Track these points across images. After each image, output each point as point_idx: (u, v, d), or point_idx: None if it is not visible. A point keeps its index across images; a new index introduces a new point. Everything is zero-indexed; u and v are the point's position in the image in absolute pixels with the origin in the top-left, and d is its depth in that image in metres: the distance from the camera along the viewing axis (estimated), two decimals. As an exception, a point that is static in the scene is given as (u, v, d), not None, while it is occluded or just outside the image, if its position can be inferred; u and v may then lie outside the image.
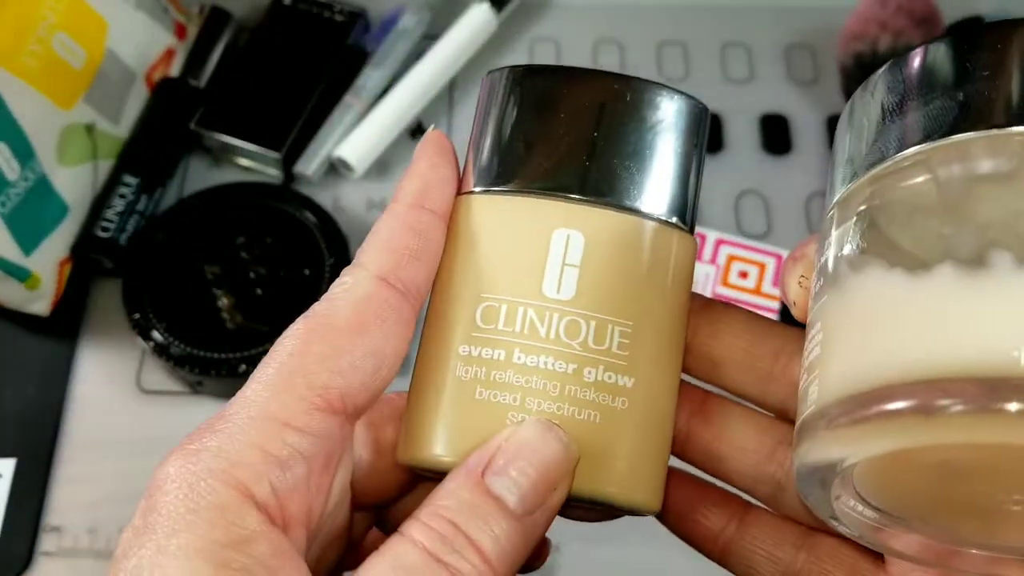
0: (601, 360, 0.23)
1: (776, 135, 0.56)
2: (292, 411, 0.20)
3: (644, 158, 0.24)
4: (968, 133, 0.18)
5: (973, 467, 0.19)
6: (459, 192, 0.24)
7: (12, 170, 0.45)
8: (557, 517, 0.22)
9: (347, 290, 0.22)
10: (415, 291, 0.22)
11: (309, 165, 0.54)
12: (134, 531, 0.19)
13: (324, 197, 0.53)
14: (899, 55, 0.20)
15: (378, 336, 0.21)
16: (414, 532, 0.20)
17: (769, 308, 0.48)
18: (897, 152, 0.19)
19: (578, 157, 0.24)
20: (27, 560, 0.44)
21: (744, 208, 0.54)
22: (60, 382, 0.49)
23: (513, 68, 0.25)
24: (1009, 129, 0.18)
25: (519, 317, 0.23)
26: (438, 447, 0.23)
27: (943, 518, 0.21)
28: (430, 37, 0.58)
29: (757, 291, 0.48)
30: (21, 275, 0.47)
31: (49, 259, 0.48)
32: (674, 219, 0.24)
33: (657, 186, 0.24)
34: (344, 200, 0.54)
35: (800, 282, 0.22)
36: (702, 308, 0.25)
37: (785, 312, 0.49)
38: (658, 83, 0.25)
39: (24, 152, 0.46)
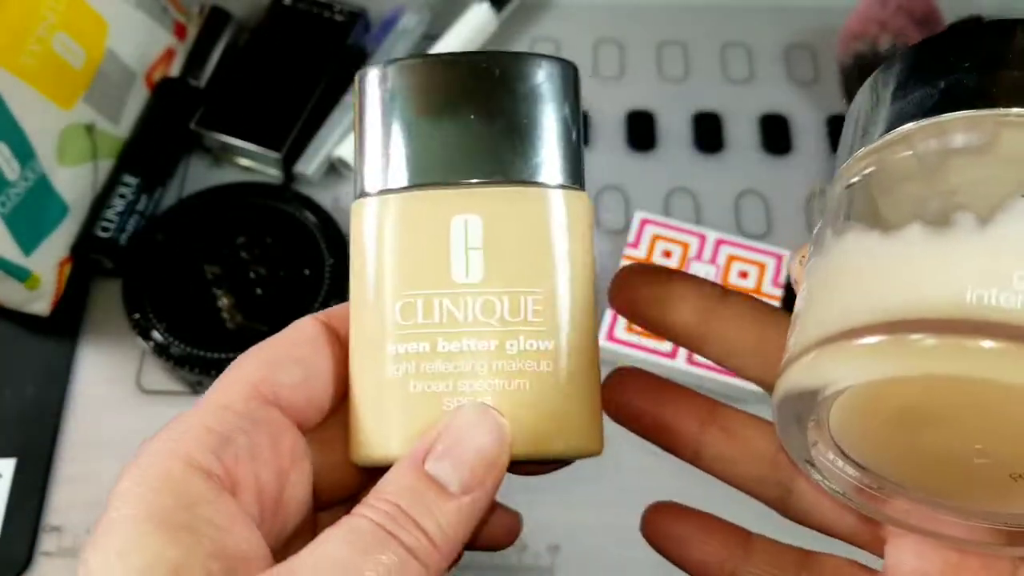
0: (520, 331, 0.24)
1: (776, 135, 0.56)
2: (231, 398, 0.23)
3: (523, 129, 0.25)
4: (946, 114, 0.20)
5: (936, 414, 0.20)
6: (356, 197, 0.25)
7: (12, 170, 0.45)
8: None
9: (287, 327, 0.25)
10: (345, 340, 0.25)
11: (309, 165, 0.54)
12: (96, 523, 0.21)
13: (324, 197, 0.53)
14: (893, 54, 0.22)
15: (305, 350, 0.24)
16: (364, 511, 0.21)
17: (769, 308, 0.48)
18: (885, 133, 0.21)
19: (460, 142, 0.25)
20: (27, 560, 0.44)
21: (744, 208, 0.54)
22: (60, 382, 0.49)
23: (381, 65, 0.25)
24: (982, 111, 0.20)
25: (436, 308, 0.24)
26: (383, 444, 0.24)
27: (917, 476, 0.22)
28: (430, 37, 0.58)
29: (757, 291, 0.48)
30: (21, 275, 0.47)
31: (49, 259, 0.48)
32: (562, 181, 0.25)
33: (540, 153, 0.25)
34: (344, 200, 0.54)
35: (801, 261, 0.24)
36: (719, 297, 0.26)
37: (787, 303, 0.49)
38: (524, 53, 0.25)
39: (24, 152, 0.46)
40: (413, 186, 0.25)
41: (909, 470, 0.22)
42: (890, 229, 0.20)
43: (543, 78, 0.25)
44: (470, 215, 0.24)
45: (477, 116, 0.25)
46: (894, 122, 0.21)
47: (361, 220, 0.25)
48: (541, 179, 0.25)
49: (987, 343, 0.17)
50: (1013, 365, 0.17)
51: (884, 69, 0.22)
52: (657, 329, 0.27)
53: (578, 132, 0.26)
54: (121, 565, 0.20)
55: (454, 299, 0.24)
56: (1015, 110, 0.20)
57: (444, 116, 0.25)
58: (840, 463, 0.22)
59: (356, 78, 0.25)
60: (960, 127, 0.20)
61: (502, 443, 0.23)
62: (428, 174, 0.24)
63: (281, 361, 0.24)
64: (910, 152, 0.21)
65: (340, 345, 0.25)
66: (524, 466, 0.25)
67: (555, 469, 0.26)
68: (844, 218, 0.21)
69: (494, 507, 0.27)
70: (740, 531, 0.27)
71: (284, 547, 0.23)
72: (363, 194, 0.25)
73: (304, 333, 0.25)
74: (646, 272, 0.27)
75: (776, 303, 0.48)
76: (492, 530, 0.27)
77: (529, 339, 0.24)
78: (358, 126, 0.25)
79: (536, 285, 0.24)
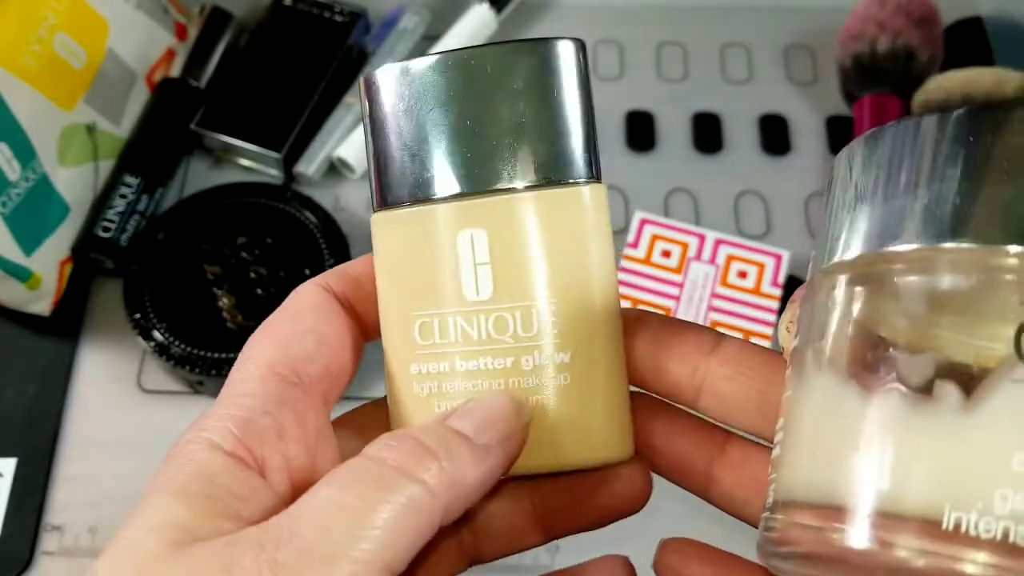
0: (534, 346, 0.23)
1: (775, 135, 0.56)
2: (250, 385, 0.23)
3: (523, 127, 0.23)
4: (939, 243, 0.18)
5: None
6: (374, 208, 0.25)
7: (13, 170, 0.45)
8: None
9: (287, 299, 0.25)
10: (345, 301, 0.25)
11: (310, 165, 0.54)
12: None
13: (324, 197, 0.54)
14: (886, 127, 0.19)
15: (311, 319, 0.24)
16: (372, 450, 0.21)
17: (767, 308, 0.48)
18: (883, 246, 0.19)
19: (458, 151, 0.23)
20: (28, 559, 0.44)
21: (743, 208, 0.54)
22: (61, 382, 0.49)
23: (376, 74, 0.24)
24: (975, 245, 0.17)
25: (451, 327, 0.24)
26: None
27: None
28: (430, 37, 0.58)
29: (756, 291, 0.48)
30: (22, 275, 0.47)
31: (50, 259, 0.48)
32: (572, 177, 0.24)
33: (544, 150, 0.23)
34: (344, 200, 0.55)
35: (788, 327, 0.23)
36: (714, 345, 0.24)
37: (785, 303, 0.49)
38: (515, 41, 0.24)
39: (25, 152, 0.46)
40: (420, 200, 0.24)
41: None
42: (868, 386, 0.18)
43: (542, 64, 0.23)
44: (475, 229, 0.23)
45: (473, 120, 0.23)
46: (880, 234, 0.19)
47: (378, 236, 0.24)
48: (547, 179, 0.23)
49: None
50: None
51: (872, 140, 0.20)
52: (648, 387, 0.25)
53: (587, 116, 0.24)
54: (134, 526, 0.20)
55: (467, 318, 0.23)
56: (1014, 248, 0.17)
57: (440, 123, 0.24)
58: None
59: (360, 83, 0.25)
60: (948, 263, 0.17)
61: (517, 405, 0.23)
62: (430, 188, 0.24)
63: (290, 335, 0.24)
64: (893, 290, 0.18)
65: (344, 307, 0.25)
66: (556, 481, 0.25)
67: (587, 474, 0.25)
68: (824, 347, 0.20)
69: (623, 473, 0.25)
70: (762, 571, 0.25)
71: None
72: (379, 206, 0.24)
73: (307, 301, 0.24)
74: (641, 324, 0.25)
75: (775, 303, 0.48)
76: (619, 487, 0.25)
77: (544, 353, 0.23)
78: (366, 133, 0.25)
79: (549, 295, 0.23)
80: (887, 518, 0.17)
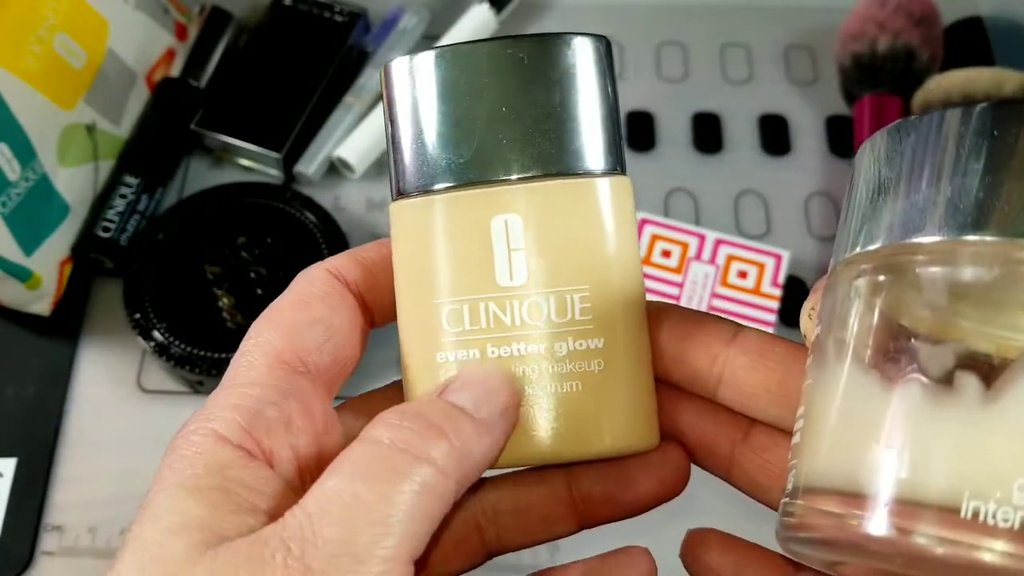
0: (568, 331, 0.23)
1: (775, 135, 0.56)
2: (257, 374, 0.23)
3: (556, 116, 0.24)
4: (961, 235, 0.18)
5: None
6: (394, 198, 0.25)
7: (13, 170, 0.45)
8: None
9: (294, 282, 0.24)
10: (354, 288, 0.25)
11: (309, 165, 0.54)
12: None
13: (325, 197, 0.54)
14: (924, 114, 0.20)
15: (320, 308, 0.24)
16: (375, 432, 0.21)
17: (767, 307, 0.48)
18: (891, 237, 0.19)
19: (492, 137, 0.24)
20: (28, 559, 0.44)
21: (743, 208, 0.54)
22: (61, 382, 0.49)
23: (405, 60, 0.24)
24: (1000, 239, 0.17)
25: (482, 313, 0.23)
26: None
27: None
28: (430, 37, 0.58)
29: (756, 291, 0.48)
30: (22, 275, 0.47)
31: (50, 259, 0.48)
32: (600, 168, 0.24)
33: (575, 141, 0.24)
34: (344, 200, 0.55)
35: (809, 315, 0.23)
36: (733, 335, 0.25)
37: (785, 304, 0.49)
38: (549, 34, 0.24)
39: (25, 152, 0.46)
40: (448, 187, 0.24)
41: None
42: (889, 376, 0.18)
43: (574, 57, 0.24)
44: (509, 215, 0.24)
45: (508, 107, 0.24)
46: (902, 225, 0.19)
47: (399, 224, 0.24)
48: (577, 169, 0.24)
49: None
50: None
51: (896, 132, 0.20)
52: (671, 378, 0.25)
53: (615, 111, 0.25)
54: (154, 527, 0.20)
55: (500, 303, 0.23)
56: None
57: (474, 109, 0.24)
58: None
59: (382, 71, 0.25)
60: (970, 255, 0.18)
61: (510, 377, 0.23)
62: (463, 173, 0.24)
63: (301, 325, 0.23)
64: (915, 281, 0.18)
65: (353, 296, 0.24)
66: (585, 468, 0.25)
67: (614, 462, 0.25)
68: (846, 337, 0.20)
69: (658, 458, 0.25)
70: (784, 562, 0.25)
71: None
72: (399, 195, 0.24)
73: (317, 288, 0.24)
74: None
75: (775, 303, 0.48)
76: (662, 473, 0.25)
77: (578, 339, 0.23)
78: (388, 121, 0.25)
79: (581, 282, 0.24)
80: (906, 506, 0.17)
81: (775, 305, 0.48)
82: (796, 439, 0.21)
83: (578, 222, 0.24)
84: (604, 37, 0.25)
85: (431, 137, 0.24)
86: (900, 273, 0.19)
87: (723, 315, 0.46)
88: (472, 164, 0.24)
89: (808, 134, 0.57)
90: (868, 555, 0.18)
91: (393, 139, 0.24)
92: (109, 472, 0.47)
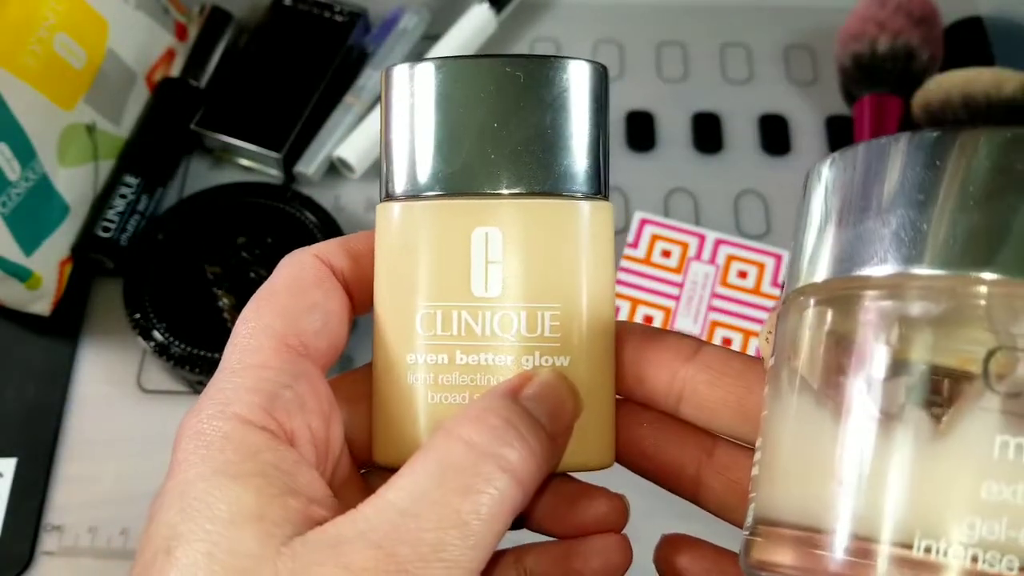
0: (536, 347, 0.24)
1: (775, 135, 0.56)
2: (265, 357, 0.23)
3: (546, 137, 0.24)
4: (913, 268, 0.18)
5: None
6: (382, 199, 0.25)
7: (13, 170, 0.45)
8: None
9: (284, 266, 0.24)
10: (341, 276, 0.25)
11: (310, 165, 0.54)
12: (161, 492, 0.21)
13: (325, 197, 0.54)
14: (851, 148, 0.19)
15: (316, 294, 0.24)
16: (462, 430, 0.21)
17: (767, 307, 0.48)
18: (853, 270, 0.19)
19: (482, 151, 0.24)
20: (28, 559, 0.44)
21: (743, 208, 0.54)
22: (61, 382, 0.49)
23: (406, 67, 0.25)
24: (951, 273, 0.17)
25: (455, 321, 0.24)
26: (400, 451, 0.24)
27: None
28: (430, 37, 0.58)
29: (756, 291, 0.48)
30: (22, 275, 0.47)
31: (50, 259, 0.48)
32: (584, 191, 0.24)
33: (563, 163, 0.24)
34: (344, 200, 0.55)
35: (768, 338, 0.23)
36: (693, 352, 0.25)
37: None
38: (548, 56, 0.25)
39: (25, 152, 0.46)
40: (434, 195, 0.24)
41: None
42: (840, 411, 0.18)
43: (570, 82, 0.25)
44: (490, 228, 0.24)
45: (500, 124, 0.24)
46: (850, 257, 0.19)
47: (384, 225, 0.25)
48: (562, 190, 0.24)
49: None
50: None
51: (841, 161, 0.20)
52: (632, 396, 0.25)
53: (604, 138, 0.25)
54: (211, 521, 0.19)
55: (472, 312, 0.24)
56: (984, 275, 0.17)
57: (468, 122, 0.24)
58: None
59: (383, 74, 0.25)
60: (918, 290, 0.18)
61: (577, 402, 0.23)
62: (450, 183, 0.24)
63: (299, 309, 0.24)
64: (863, 314, 0.18)
65: (340, 282, 0.25)
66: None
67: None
68: (791, 373, 0.20)
69: (596, 492, 0.26)
70: None
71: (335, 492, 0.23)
72: (387, 196, 0.25)
73: (309, 274, 0.24)
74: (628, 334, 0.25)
75: (775, 303, 0.48)
76: (598, 513, 0.25)
77: (544, 355, 0.24)
78: (384, 124, 0.25)
79: (554, 300, 0.24)
80: (861, 542, 0.17)
81: (773, 305, 0.48)
82: (755, 471, 0.21)
83: (557, 241, 0.24)
84: (602, 65, 0.25)
85: (423, 144, 0.24)
86: (848, 306, 0.19)
87: (723, 315, 0.46)
88: (459, 175, 0.24)
89: (808, 134, 0.57)
90: None
91: (387, 142, 0.25)
92: (109, 472, 0.47)
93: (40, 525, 0.45)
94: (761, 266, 0.49)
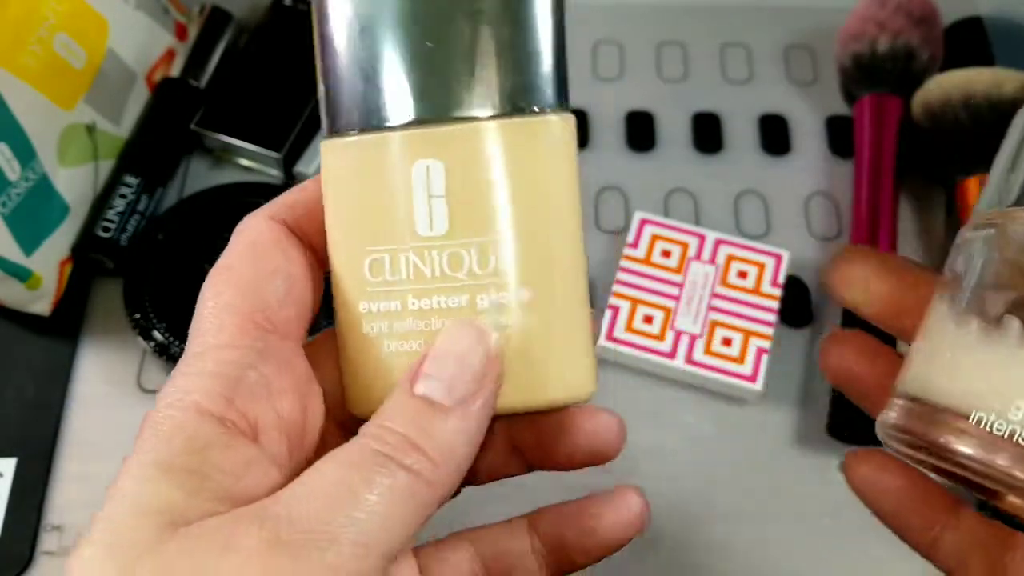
0: (491, 283, 0.22)
1: (775, 135, 0.56)
2: (228, 337, 0.22)
3: (488, 51, 0.22)
4: None
5: None
6: (324, 136, 0.23)
7: (13, 170, 0.45)
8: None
9: (237, 234, 0.23)
10: (300, 231, 0.24)
11: (310, 165, 0.54)
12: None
13: (324, 197, 0.53)
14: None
15: (276, 258, 0.23)
16: (360, 439, 0.21)
17: (767, 307, 0.48)
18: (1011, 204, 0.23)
19: (417, 76, 0.22)
20: (28, 559, 0.44)
21: (743, 208, 0.54)
22: (61, 382, 0.49)
23: None
24: None
25: (403, 264, 0.22)
26: (368, 401, 0.23)
27: None
28: (430, 37, 0.58)
29: (756, 291, 0.48)
30: (22, 275, 0.47)
31: (50, 259, 0.48)
32: (538, 105, 0.22)
33: (510, 76, 0.22)
34: (344, 200, 0.54)
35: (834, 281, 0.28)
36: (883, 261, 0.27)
37: (786, 303, 0.49)
38: None
39: (25, 152, 0.46)
40: (372, 128, 0.22)
41: None
42: (960, 315, 0.22)
43: None
44: (431, 160, 0.22)
45: (435, 43, 0.22)
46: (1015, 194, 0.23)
47: (327, 165, 0.23)
48: (511, 107, 0.22)
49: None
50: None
51: None
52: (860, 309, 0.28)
53: (558, 39, 0.23)
54: (123, 505, 0.20)
55: (420, 254, 0.22)
56: None
57: (398, 46, 0.22)
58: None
59: (312, 1, 0.23)
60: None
61: (486, 350, 0.22)
62: (387, 114, 0.22)
63: (259, 279, 0.22)
64: (1007, 239, 0.23)
65: (302, 238, 0.24)
66: (520, 419, 0.24)
67: (553, 413, 0.25)
68: (951, 281, 0.24)
69: (586, 412, 0.25)
70: (949, 497, 0.27)
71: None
72: (329, 132, 0.23)
73: (265, 238, 0.23)
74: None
75: (775, 303, 0.48)
76: (593, 438, 0.25)
77: (501, 291, 0.22)
78: (317, 52, 0.23)
79: (506, 232, 0.22)
80: (938, 410, 0.22)
81: (775, 305, 0.48)
82: (911, 348, 0.25)
83: (504, 168, 0.22)
84: None
85: (356, 72, 0.22)
86: (1000, 231, 0.23)
87: (723, 315, 0.46)
88: (396, 104, 0.22)
89: (808, 134, 0.57)
90: (908, 441, 0.23)
91: (322, 72, 0.23)
92: (109, 472, 0.46)
93: (40, 525, 0.45)
94: (761, 266, 0.49)
